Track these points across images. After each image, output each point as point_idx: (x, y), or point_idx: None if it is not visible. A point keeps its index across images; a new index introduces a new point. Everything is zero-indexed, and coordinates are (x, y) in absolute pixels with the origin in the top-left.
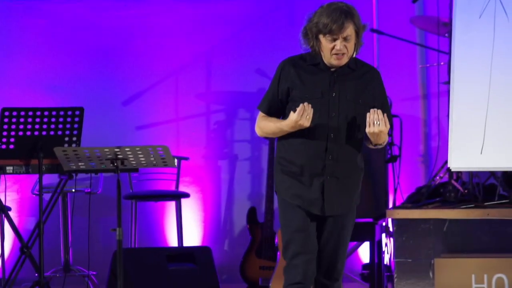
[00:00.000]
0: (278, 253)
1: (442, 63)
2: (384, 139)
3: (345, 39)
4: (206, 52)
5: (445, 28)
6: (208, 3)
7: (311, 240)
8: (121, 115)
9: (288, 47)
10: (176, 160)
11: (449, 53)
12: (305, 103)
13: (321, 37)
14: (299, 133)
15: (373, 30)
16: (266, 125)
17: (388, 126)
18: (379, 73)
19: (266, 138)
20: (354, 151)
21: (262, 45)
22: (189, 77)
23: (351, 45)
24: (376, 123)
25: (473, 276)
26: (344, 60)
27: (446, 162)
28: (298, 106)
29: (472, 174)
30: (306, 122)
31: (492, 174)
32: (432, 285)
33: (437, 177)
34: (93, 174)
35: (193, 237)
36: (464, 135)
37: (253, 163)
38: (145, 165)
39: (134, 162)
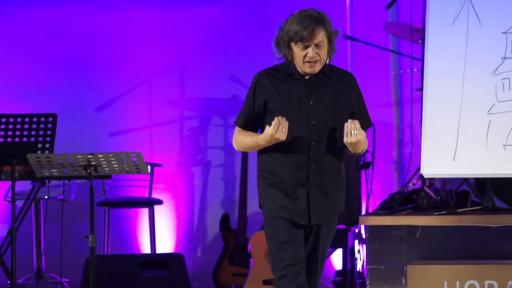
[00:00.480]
0: (251, 260)
1: (415, 70)
2: (363, 148)
3: (317, 46)
4: (179, 58)
5: (418, 35)
6: (182, 9)
7: (299, 251)
8: (94, 122)
9: (262, 54)
10: (149, 167)
11: (422, 60)
12: (280, 117)
13: (293, 45)
14: (280, 145)
15: (346, 37)
16: (242, 140)
17: (364, 134)
18: (354, 78)
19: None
20: (336, 158)
21: (236, 51)
22: (163, 84)
23: (323, 52)
24: (353, 133)
25: (445, 282)
26: (317, 67)
27: (419, 168)
28: (276, 117)
29: (445, 181)
30: (282, 136)
31: (465, 180)
32: None
33: (410, 184)
34: (66, 181)
35: (166, 244)
36: (437, 142)
37: (226, 169)
38: (118, 171)
39: (107, 169)
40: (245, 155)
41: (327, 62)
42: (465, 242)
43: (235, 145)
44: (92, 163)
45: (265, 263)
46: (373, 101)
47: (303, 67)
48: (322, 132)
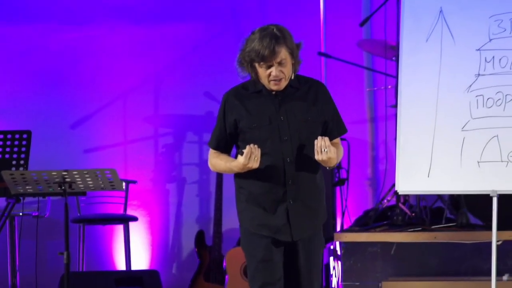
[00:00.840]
0: (227, 276)
1: (389, 87)
2: (336, 162)
3: (279, 64)
4: (154, 75)
5: (392, 52)
6: (156, 26)
7: (276, 269)
8: (69, 138)
9: (236, 71)
10: (124, 184)
11: (396, 77)
12: (252, 145)
13: (256, 65)
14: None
15: (320, 54)
16: (217, 163)
17: (334, 150)
18: (323, 85)
19: None
20: (313, 171)
21: (210, 68)
22: (137, 100)
23: (287, 68)
24: (324, 150)
25: None
26: (283, 84)
27: (393, 185)
28: (247, 136)
29: (420, 198)
30: (255, 164)
31: (439, 197)
32: None
33: (385, 200)
34: (40, 198)
35: (141, 261)
36: (411, 158)
37: (201, 186)
38: (93, 188)
39: (82, 186)
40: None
41: (293, 76)
42: (440, 259)
43: (211, 167)
44: (67, 180)
45: (240, 280)
46: (347, 118)
47: (268, 85)
48: (295, 146)
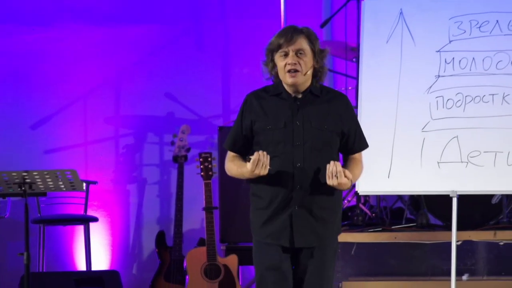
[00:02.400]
0: (187, 277)
1: (350, 88)
2: (349, 185)
3: (297, 53)
4: (114, 76)
5: (353, 53)
6: (116, 27)
7: (284, 279)
8: (29, 139)
9: (196, 72)
10: (84, 184)
11: (356, 78)
12: (260, 152)
13: (276, 57)
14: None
15: None
16: (230, 168)
17: (349, 176)
18: (346, 98)
19: None
20: (325, 180)
21: (171, 69)
22: (98, 101)
23: (305, 61)
24: (334, 176)
25: None
26: (300, 78)
27: (354, 185)
28: (261, 138)
29: (380, 198)
30: (263, 171)
31: (400, 198)
32: None
33: (345, 201)
34: (0, 198)
35: (101, 261)
36: (372, 159)
37: (162, 187)
38: (53, 189)
39: (42, 186)
40: (180, 172)
41: (318, 82)
42: (400, 259)
43: (226, 170)
44: (27, 180)
45: (200, 280)
46: None
47: (285, 79)
48: (307, 153)
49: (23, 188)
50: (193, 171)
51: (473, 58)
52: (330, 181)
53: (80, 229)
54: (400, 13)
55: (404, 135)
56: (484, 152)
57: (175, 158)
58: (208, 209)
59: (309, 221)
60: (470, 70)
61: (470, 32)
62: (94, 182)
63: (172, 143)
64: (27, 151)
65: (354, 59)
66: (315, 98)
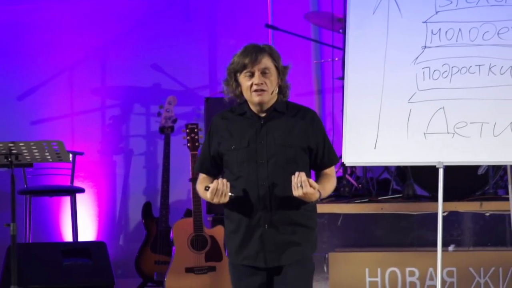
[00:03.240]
0: (173, 247)
1: (336, 59)
2: (315, 197)
3: (263, 73)
4: (101, 47)
5: (339, 24)
6: None
7: None
8: (15, 110)
9: (184, 43)
10: (71, 155)
11: (343, 49)
12: (220, 180)
13: (240, 77)
14: (234, 184)
15: (268, 26)
16: (198, 189)
17: (315, 186)
18: (314, 113)
19: None
20: (294, 197)
21: (157, 40)
22: (84, 72)
23: (271, 80)
24: (298, 187)
25: (366, 270)
26: (266, 96)
27: (340, 157)
28: (226, 158)
29: (366, 169)
30: (223, 199)
31: (386, 169)
32: (326, 279)
33: None
34: None
35: (88, 232)
36: (358, 130)
37: (148, 158)
38: (39, 160)
39: (28, 157)
40: (167, 142)
41: (283, 98)
42: (386, 230)
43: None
44: (13, 151)
45: (187, 251)
46: (295, 90)
47: (251, 98)
48: (272, 170)
49: (9, 159)
50: (180, 142)
51: (460, 29)
52: (296, 192)
53: (66, 200)
54: None
55: (391, 106)
56: (471, 123)
57: (162, 129)
58: (195, 180)
59: (279, 240)
60: (457, 41)
61: (457, 3)
62: (81, 153)
63: (159, 114)
64: (13, 122)
65: (341, 30)
66: (280, 115)
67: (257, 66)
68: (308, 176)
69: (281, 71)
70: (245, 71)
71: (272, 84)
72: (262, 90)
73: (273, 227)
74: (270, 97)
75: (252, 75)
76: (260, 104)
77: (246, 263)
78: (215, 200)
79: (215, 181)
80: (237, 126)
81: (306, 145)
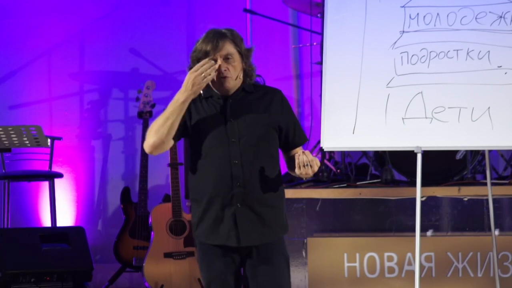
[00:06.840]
0: (152, 233)
1: (314, 44)
2: (310, 174)
3: (225, 59)
4: (79, 31)
5: (317, 9)
6: None
7: (231, 281)
8: None
9: (162, 27)
10: (49, 140)
11: (321, 34)
12: (208, 59)
13: None
14: (203, 166)
15: (246, 10)
16: (153, 124)
17: (318, 164)
18: (281, 93)
19: (156, 148)
20: (265, 175)
21: (136, 24)
22: (62, 57)
23: (234, 66)
24: (307, 166)
25: (345, 255)
26: (230, 82)
27: (319, 142)
28: (195, 139)
29: (345, 154)
30: (204, 80)
31: (364, 153)
32: (305, 264)
33: None
34: None
35: (66, 217)
36: (337, 115)
37: (127, 143)
38: (18, 145)
39: (6, 142)
40: (145, 128)
41: (250, 81)
42: (364, 215)
43: (146, 140)
44: None
45: (166, 236)
46: (273, 75)
47: (216, 85)
48: (243, 149)
49: None
50: None
51: (438, 14)
52: (303, 171)
53: (45, 185)
54: None
55: (369, 91)
56: (449, 108)
57: (140, 114)
58: (173, 165)
59: (252, 220)
60: (435, 25)
61: None
62: (59, 138)
63: (137, 99)
64: None
65: (319, 15)
66: (248, 94)
67: (220, 52)
68: (276, 154)
69: (244, 55)
70: (207, 58)
71: (235, 70)
72: (226, 77)
73: (246, 206)
74: (235, 83)
75: (215, 61)
76: (226, 90)
77: (219, 242)
78: (195, 79)
79: (204, 60)
80: (205, 108)
81: (276, 124)
